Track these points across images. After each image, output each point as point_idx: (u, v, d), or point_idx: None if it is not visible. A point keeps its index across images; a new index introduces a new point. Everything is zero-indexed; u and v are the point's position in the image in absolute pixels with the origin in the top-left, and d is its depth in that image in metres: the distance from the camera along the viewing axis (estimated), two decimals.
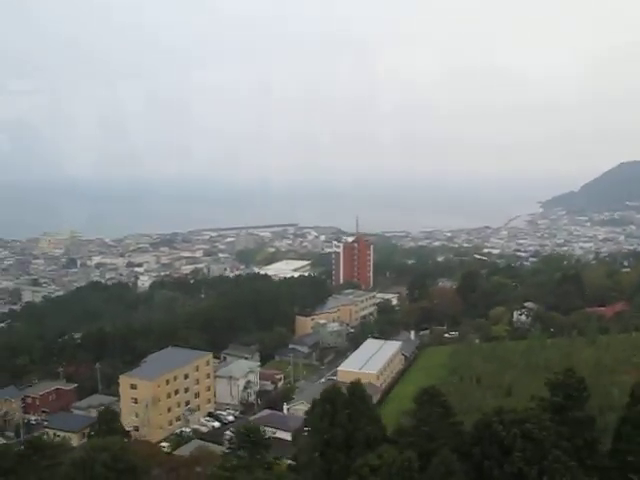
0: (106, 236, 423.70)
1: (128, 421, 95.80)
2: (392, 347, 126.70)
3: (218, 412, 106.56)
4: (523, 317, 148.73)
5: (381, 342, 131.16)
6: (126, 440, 54.27)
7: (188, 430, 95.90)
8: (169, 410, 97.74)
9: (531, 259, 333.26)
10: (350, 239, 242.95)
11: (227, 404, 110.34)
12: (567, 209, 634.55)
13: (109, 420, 59.06)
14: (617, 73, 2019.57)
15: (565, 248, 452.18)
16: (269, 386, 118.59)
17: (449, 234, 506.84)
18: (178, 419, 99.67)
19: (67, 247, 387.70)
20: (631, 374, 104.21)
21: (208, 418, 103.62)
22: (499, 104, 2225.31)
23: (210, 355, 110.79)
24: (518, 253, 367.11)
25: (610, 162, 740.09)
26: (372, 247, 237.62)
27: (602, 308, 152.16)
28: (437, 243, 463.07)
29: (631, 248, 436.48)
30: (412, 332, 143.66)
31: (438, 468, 38.42)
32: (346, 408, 47.49)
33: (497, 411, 43.62)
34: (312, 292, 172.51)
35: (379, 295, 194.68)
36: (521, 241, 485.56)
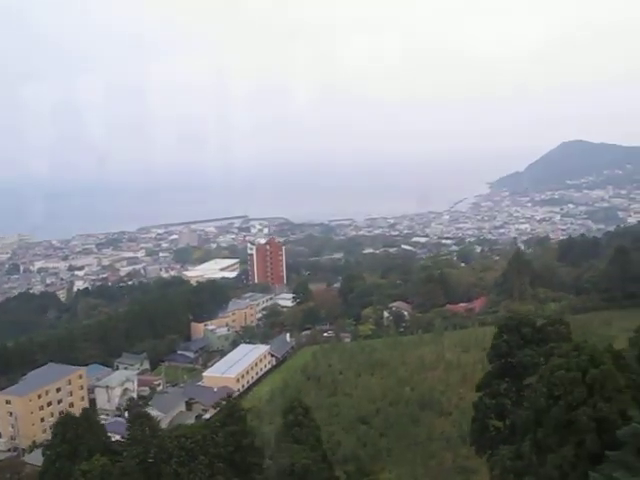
0: (55, 237, 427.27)
1: (6, 432, 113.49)
2: (259, 351, 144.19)
3: None
4: (388, 316, 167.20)
5: (251, 346, 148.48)
6: None
7: None
8: (42, 420, 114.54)
9: (453, 247, 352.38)
10: (263, 241, 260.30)
11: (105, 410, 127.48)
12: (512, 190, 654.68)
13: None
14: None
15: (502, 230, 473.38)
16: (147, 392, 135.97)
17: (392, 221, 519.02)
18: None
19: (14, 251, 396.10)
20: (436, 371, 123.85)
21: None
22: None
23: (82, 370, 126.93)
24: (443, 241, 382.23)
25: (553, 141, 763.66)
26: (284, 248, 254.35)
27: (461, 305, 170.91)
28: (378, 231, 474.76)
29: (564, 228, 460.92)
30: (287, 334, 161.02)
31: (119, 471, 56.42)
32: (75, 428, 65.49)
33: (174, 428, 61.84)
34: (212, 298, 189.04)
35: (283, 296, 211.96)
36: (461, 225, 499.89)
